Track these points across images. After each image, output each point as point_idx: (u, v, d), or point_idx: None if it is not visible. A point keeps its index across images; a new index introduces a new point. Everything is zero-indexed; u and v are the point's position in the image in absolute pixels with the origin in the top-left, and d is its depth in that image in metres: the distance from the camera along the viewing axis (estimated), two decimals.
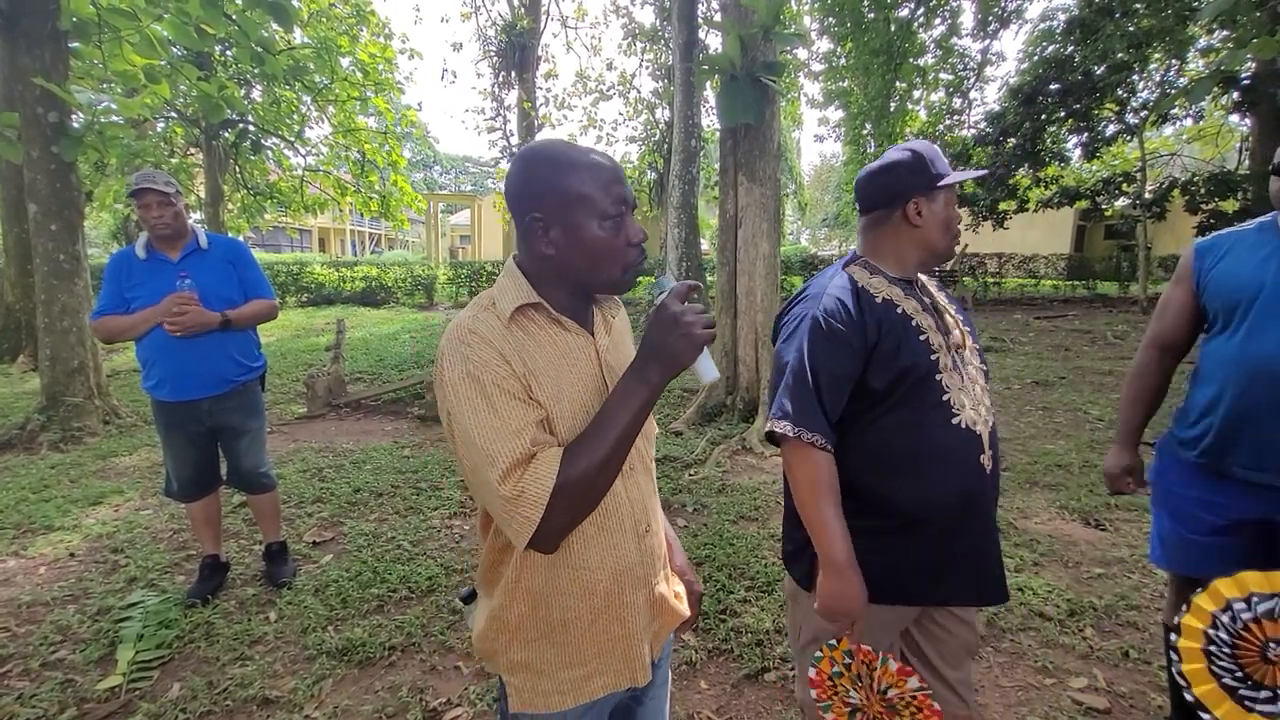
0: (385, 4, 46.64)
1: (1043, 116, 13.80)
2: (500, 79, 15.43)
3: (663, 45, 14.94)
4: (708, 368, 0.91)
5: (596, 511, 0.93)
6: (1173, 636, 1.28)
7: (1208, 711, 1.19)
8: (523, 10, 15.28)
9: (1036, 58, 14.61)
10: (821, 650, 1.26)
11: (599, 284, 0.95)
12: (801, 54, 17.93)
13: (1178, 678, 1.24)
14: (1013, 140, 14.42)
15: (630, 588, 0.98)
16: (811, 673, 1.27)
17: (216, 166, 12.49)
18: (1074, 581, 2.71)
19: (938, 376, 1.23)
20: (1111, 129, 13.98)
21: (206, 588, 2.68)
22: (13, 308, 7.74)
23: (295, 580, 2.80)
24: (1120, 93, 13.03)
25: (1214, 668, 1.21)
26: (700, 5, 10.49)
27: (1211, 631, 1.22)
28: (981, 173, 1.50)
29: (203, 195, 12.43)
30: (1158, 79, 13.57)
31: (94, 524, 3.45)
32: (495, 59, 15.40)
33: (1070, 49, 13.41)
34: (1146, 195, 13.59)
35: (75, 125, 5.10)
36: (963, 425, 1.23)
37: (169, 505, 3.55)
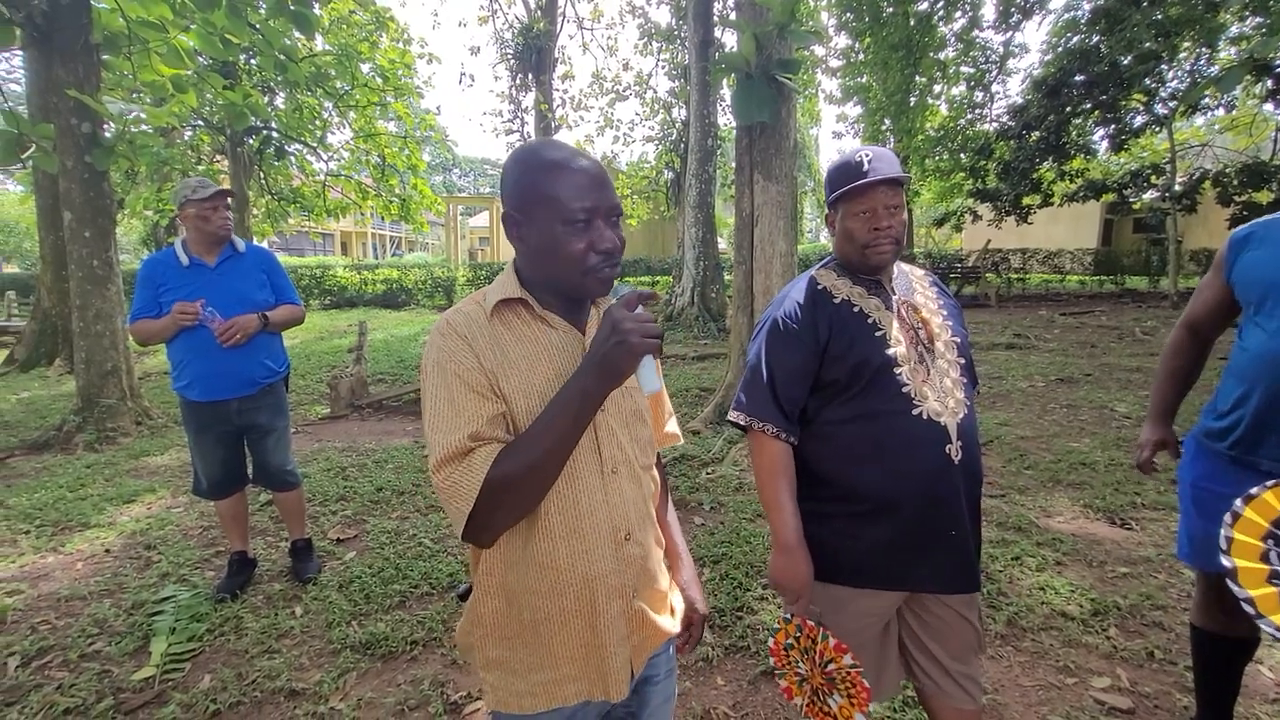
0: (404, 10, 47.26)
1: (1068, 109, 13.53)
2: (517, 81, 15.55)
3: (679, 44, 14.94)
4: (648, 378, 0.87)
5: (567, 511, 0.93)
6: (1227, 534, 1.16)
7: (1264, 616, 1.11)
8: (539, 13, 15.38)
9: (1061, 49, 14.31)
10: (779, 623, 1.38)
11: (561, 286, 0.95)
12: (819, 50, 17.81)
13: (1228, 568, 1.15)
14: (1036, 133, 14.16)
15: (604, 595, 0.95)
16: (770, 642, 1.41)
17: (241, 173, 12.76)
18: (1098, 581, 2.67)
19: (896, 370, 1.29)
20: (1139, 120, 13.66)
21: (235, 583, 2.76)
22: (49, 313, 8.00)
23: (320, 576, 2.87)
24: (1148, 83, 12.72)
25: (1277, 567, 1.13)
26: (716, 4, 10.49)
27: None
28: (864, 181, 1.28)
29: (229, 201, 12.69)
30: (1187, 68, 13.22)
31: (128, 521, 3.56)
32: (512, 62, 15.53)
33: (1096, 39, 13.13)
34: (1176, 187, 13.27)
35: (107, 135, 5.26)
36: (924, 416, 1.27)
37: (199, 503, 3.65)
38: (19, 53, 6.61)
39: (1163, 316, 10.82)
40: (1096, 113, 13.62)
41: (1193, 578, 2.62)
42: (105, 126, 5.31)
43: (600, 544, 0.95)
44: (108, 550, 3.21)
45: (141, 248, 18.93)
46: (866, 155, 1.31)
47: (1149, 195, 15.13)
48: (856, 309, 1.35)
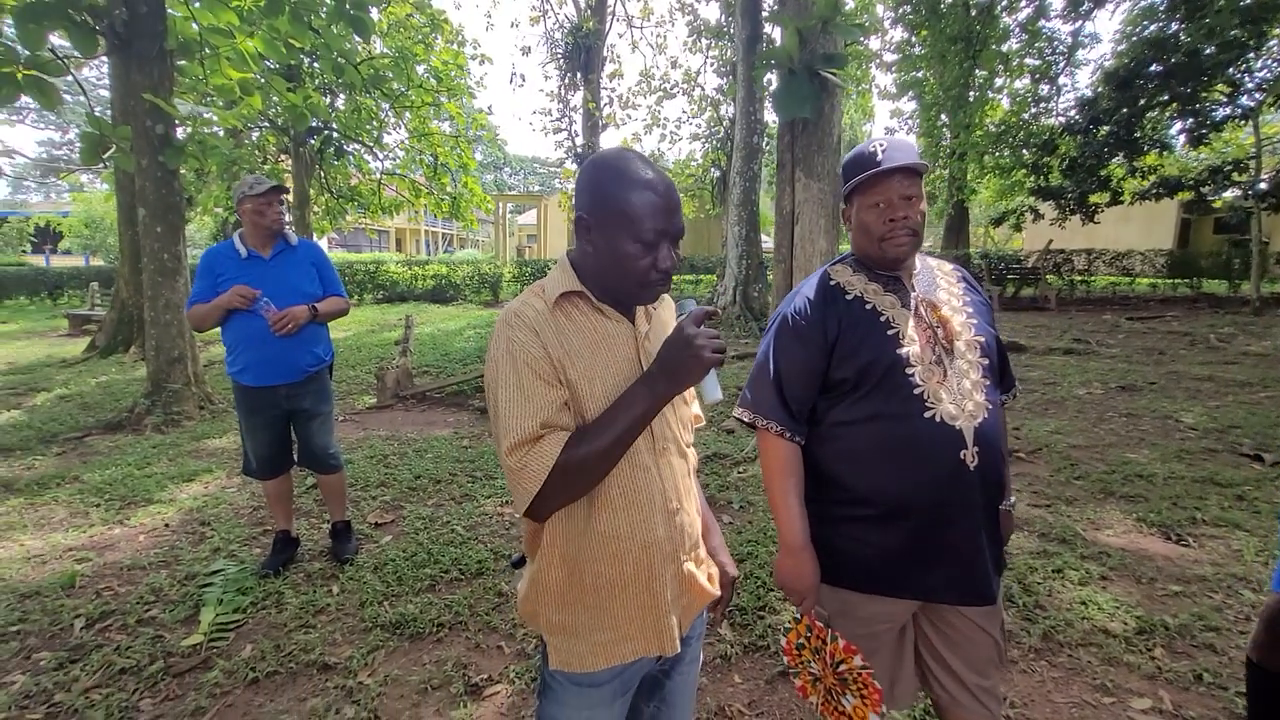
0: (459, 12, 48.35)
1: (1141, 101, 12.77)
2: (566, 81, 15.75)
3: (727, 41, 14.82)
4: (712, 388, 0.97)
5: (628, 486, 1.02)
6: None
7: None
8: (589, 12, 15.51)
9: (1135, 38, 13.52)
10: (790, 622, 1.38)
11: (618, 291, 1.04)
12: (874, 44, 17.37)
13: None
14: (1105, 128, 13.42)
15: (659, 560, 1.04)
16: (783, 642, 1.41)
17: (303, 171, 13.35)
18: (1145, 598, 2.53)
19: (908, 371, 1.24)
20: (1222, 113, 12.78)
21: (278, 560, 2.90)
22: (126, 303, 8.57)
23: (357, 557, 2.99)
24: (1232, 73, 11.88)
25: None
26: None
27: None
28: (877, 170, 1.24)
29: (290, 199, 13.35)
30: (1278, 56, 12.28)
31: (187, 498, 3.78)
32: (562, 61, 15.73)
33: (1174, 27, 12.36)
34: (1261, 184, 12.35)
35: (179, 136, 5.59)
36: (937, 419, 1.22)
37: (250, 484, 3.85)
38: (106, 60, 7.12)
39: (1241, 323, 10.10)
40: (1174, 105, 12.80)
41: (1255, 600, 2.46)
42: (178, 128, 5.65)
43: (655, 514, 1.04)
44: (167, 524, 3.43)
45: (212, 242, 20.02)
46: (880, 144, 1.26)
47: (1230, 193, 14.15)
48: (869, 306, 1.30)
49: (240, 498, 3.79)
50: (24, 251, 25.37)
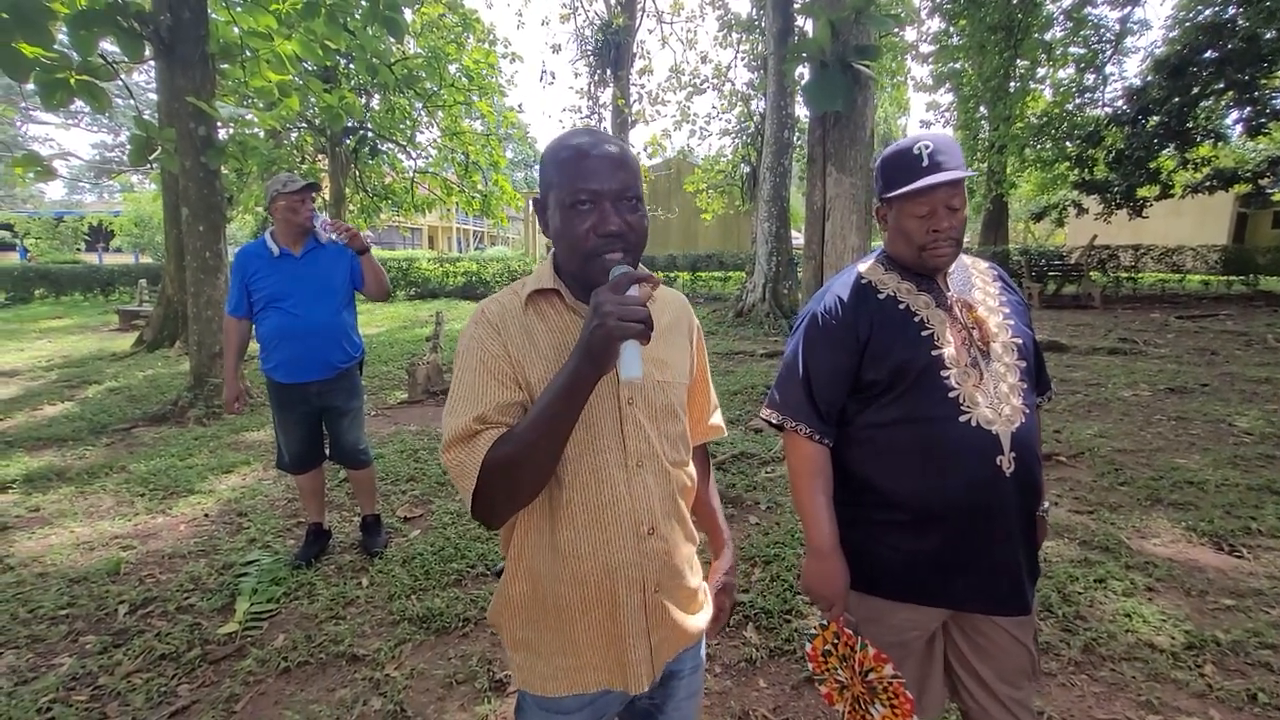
0: (490, 11, 48.80)
1: (1194, 90, 12.21)
2: (596, 78, 15.77)
3: (758, 34, 14.65)
4: (629, 363, 0.80)
5: (593, 502, 0.94)
6: None
7: None
8: (619, 8, 15.49)
9: (1189, 24, 12.93)
10: (815, 629, 1.34)
11: (573, 272, 0.94)
12: (910, 35, 16.97)
13: None
14: (1155, 118, 12.87)
15: (624, 586, 0.96)
16: (807, 648, 1.37)
17: (339, 170, 13.62)
18: (1195, 611, 2.41)
19: (943, 373, 1.19)
20: None
21: (310, 552, 2.96)
22: (172, 299, 8.88)
23: (386, 551, 3.03)
24: None
25: None
26: None
27: None
28: (925, 183, 1.16)
29: (327, 197, 13.65)
30: None
31: (225, 490, 3.90)
32: (591, 58, 15.75)
33: (1232, 11, 11.79)
34: None
35: (221, 137, 5.75)
36: (973, 423, 1.18)
37: (285, 477, 3.94)
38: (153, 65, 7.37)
39: None
40: (1230, 93, 12.22)
41: None
42: (219, 129, 5.81)
43: (622, 536, 0.95)
44: (206, 515, 3.54)
45: (253, 240, 20.55)
46: (926, 147, 1.18)
47: None
48: (903, 306, 1.25)
49: (275, 490, 3.88)
50: (79, 250, 26.50)
